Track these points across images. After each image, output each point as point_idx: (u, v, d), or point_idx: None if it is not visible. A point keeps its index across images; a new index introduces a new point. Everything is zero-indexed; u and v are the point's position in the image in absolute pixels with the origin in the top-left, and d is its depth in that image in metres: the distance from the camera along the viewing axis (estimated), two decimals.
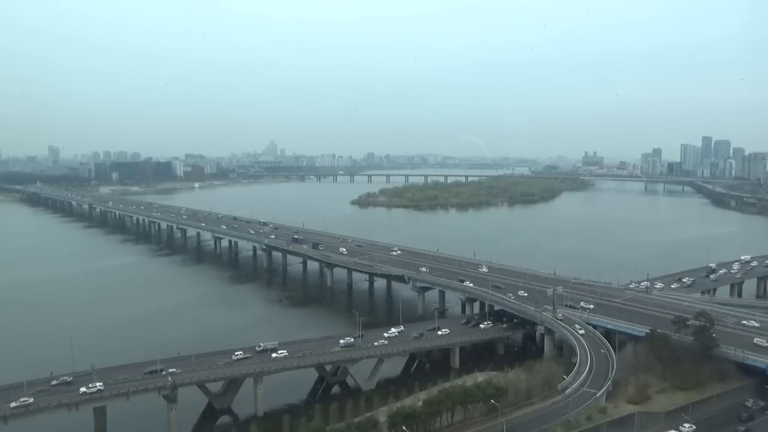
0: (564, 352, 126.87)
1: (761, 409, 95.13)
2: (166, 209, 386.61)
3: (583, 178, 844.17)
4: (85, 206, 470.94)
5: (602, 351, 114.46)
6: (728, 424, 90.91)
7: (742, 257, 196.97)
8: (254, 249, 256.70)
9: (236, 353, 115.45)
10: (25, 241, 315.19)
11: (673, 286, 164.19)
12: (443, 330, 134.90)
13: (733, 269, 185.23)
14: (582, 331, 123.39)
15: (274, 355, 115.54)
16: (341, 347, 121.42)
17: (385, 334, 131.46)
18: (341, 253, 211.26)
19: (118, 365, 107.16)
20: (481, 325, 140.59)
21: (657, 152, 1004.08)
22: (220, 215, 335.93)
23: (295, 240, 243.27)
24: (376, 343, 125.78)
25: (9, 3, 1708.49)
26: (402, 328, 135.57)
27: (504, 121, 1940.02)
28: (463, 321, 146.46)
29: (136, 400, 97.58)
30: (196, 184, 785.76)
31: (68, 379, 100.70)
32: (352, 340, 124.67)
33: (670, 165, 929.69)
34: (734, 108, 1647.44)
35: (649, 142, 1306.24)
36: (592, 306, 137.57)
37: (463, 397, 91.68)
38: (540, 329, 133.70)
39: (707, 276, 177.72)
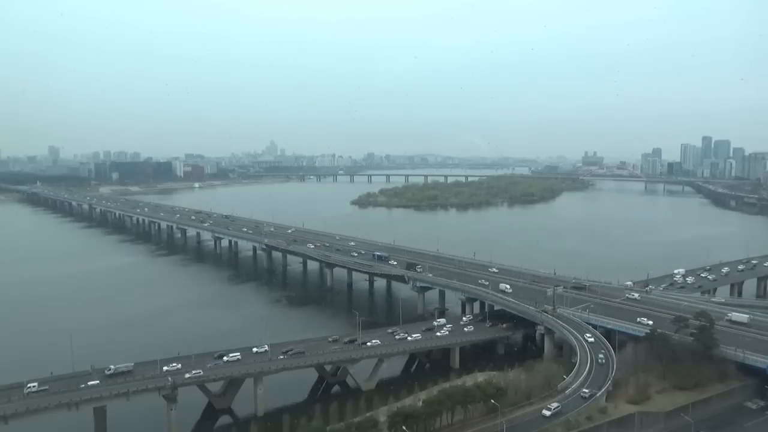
0: (564, 352, 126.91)
1: (761, 409, 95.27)
2: (130, 203, 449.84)
3: (583, 178, 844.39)
4: (85, 206, 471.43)
5: (602, 351, 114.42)
6: (728, 424, 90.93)
7: (675, 270, 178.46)
8: (254, 249, 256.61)
9: (29, 385, 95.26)
10: (25, 241, 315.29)
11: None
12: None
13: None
14: (591, 339, 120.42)
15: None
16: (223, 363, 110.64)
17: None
18: (504, 291, 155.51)
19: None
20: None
21: (657, 152, 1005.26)
22: (186, 209, 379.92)
23: (380, 258, 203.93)
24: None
25: (9, 3, 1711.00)
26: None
27: (504, 121, 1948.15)
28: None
29: (136, 400, 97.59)
30: (196, 185, 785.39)
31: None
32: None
33: (670, 165, 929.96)
34: (734, 108, 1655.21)
35: (649, 142, 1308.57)
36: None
37: (463, 397, 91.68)
38: (540, 329, 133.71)
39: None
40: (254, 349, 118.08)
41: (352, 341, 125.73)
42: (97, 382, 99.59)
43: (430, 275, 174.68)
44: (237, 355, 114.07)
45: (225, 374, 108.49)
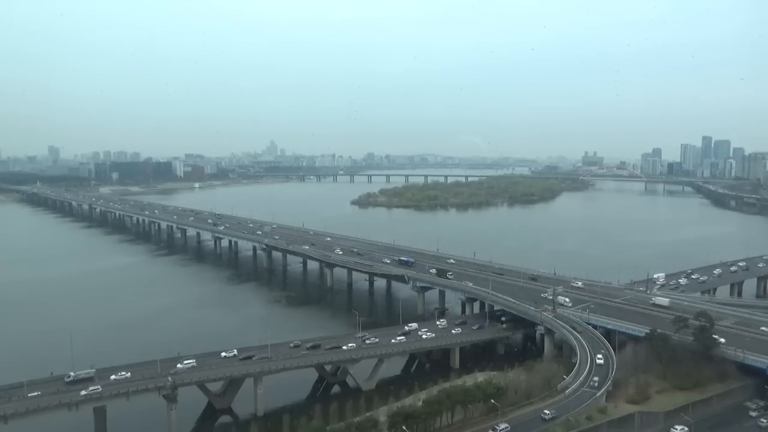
0: (564, 352, 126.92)
1: (762, 409, 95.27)
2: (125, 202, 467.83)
3: (583, 178, 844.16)
4: (85, 206, 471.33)
5: (602, 351, 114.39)
6: (728, 424, 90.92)
7: (656, 275, 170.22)
8: (254, 249, 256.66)
9: None
10: (25, 241, 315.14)
11: None
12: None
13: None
14: (601, 360, 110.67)
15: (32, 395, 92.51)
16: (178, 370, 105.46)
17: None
18: (564, 304, 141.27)
19: (118, 365, 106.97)
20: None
21: (657, 152, 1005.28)
22: (179, 208, 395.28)
23: (404, 263, 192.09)
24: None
25: (9, 3, 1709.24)
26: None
27: (504, 121, 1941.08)
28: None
29: (136, 400, 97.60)
30: (196, 185, 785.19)
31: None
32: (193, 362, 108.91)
33: (670, 165, 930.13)
34: (734, 108, 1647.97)
35: (649, 142, 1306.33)
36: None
37: (463, 397, 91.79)
38: (540, 329, 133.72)
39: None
40: (222, 354, 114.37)
41: (314, 347, 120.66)
42: (38, 393, 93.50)
43: (470, 284, 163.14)
44: (192, 362, 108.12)
45: (225, 374, 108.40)
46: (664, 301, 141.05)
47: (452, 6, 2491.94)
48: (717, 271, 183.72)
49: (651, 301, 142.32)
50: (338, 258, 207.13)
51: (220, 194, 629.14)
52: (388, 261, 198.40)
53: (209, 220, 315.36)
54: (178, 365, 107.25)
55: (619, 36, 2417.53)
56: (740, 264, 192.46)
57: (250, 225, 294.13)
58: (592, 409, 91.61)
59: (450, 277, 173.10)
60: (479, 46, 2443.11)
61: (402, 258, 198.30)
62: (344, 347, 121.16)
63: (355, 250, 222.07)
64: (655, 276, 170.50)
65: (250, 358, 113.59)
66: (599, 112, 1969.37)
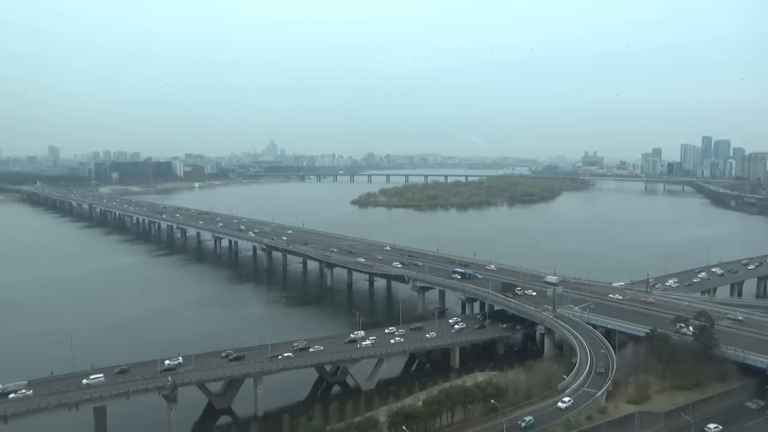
0: (564, 352, 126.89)
1: (762, 409, 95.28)
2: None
3: (583, 178, 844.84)
4: (85, 206, 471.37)
5: (602, 351, 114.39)
6: (728, 424, 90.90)
7: (615, 284, 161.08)
8: (254, 249, 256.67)
9: None
10: (25, 241, 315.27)
11: None
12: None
13: None
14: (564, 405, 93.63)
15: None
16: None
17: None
18: (685, 334, 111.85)
19: (118, 365, 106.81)
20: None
21: (657, 152, 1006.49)
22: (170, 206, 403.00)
23: (465, 276, 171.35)
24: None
25: (9, 3, 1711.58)
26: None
27: (504, 121, 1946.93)
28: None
29: (136, 400, 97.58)
30: (196, 184, 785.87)
31: None
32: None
33: (670, 165, 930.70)
34: (734, 108, 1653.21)
35: (649, 142, 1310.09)
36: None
37: (463, 397, 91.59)
38: (540, 329, 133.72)
39: None
40: (167, 362, 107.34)
41: (238, 359, 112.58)
42: None
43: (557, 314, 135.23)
44: (100, 376, 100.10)
45: (225, 374, 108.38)
46: (552, 278, 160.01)
47: (452, 6, 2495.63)
48: (702, 274, 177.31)
49: (544, 280, 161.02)
50: (338, 258, 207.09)
51: (220, 194, 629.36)
52: (459, 277, 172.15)
53: (241, 227, 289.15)
54: (89, 378, 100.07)
55: (619, 36, 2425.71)
56: (713, 269, 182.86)
57: (242, 224, 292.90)
58: (592, 409, 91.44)
59: (519, 292, 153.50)
60: (479, 46, 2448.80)
61: (458, 270, 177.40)
62: (280, 356, 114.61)
63: (420, 263, 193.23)
64: (615, 284, 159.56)
65: (173, 369, 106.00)
66: (599, 112, 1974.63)
